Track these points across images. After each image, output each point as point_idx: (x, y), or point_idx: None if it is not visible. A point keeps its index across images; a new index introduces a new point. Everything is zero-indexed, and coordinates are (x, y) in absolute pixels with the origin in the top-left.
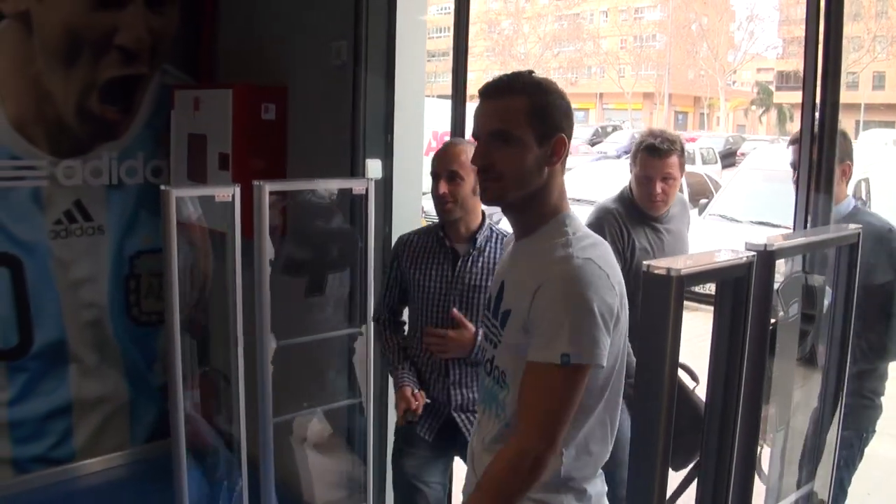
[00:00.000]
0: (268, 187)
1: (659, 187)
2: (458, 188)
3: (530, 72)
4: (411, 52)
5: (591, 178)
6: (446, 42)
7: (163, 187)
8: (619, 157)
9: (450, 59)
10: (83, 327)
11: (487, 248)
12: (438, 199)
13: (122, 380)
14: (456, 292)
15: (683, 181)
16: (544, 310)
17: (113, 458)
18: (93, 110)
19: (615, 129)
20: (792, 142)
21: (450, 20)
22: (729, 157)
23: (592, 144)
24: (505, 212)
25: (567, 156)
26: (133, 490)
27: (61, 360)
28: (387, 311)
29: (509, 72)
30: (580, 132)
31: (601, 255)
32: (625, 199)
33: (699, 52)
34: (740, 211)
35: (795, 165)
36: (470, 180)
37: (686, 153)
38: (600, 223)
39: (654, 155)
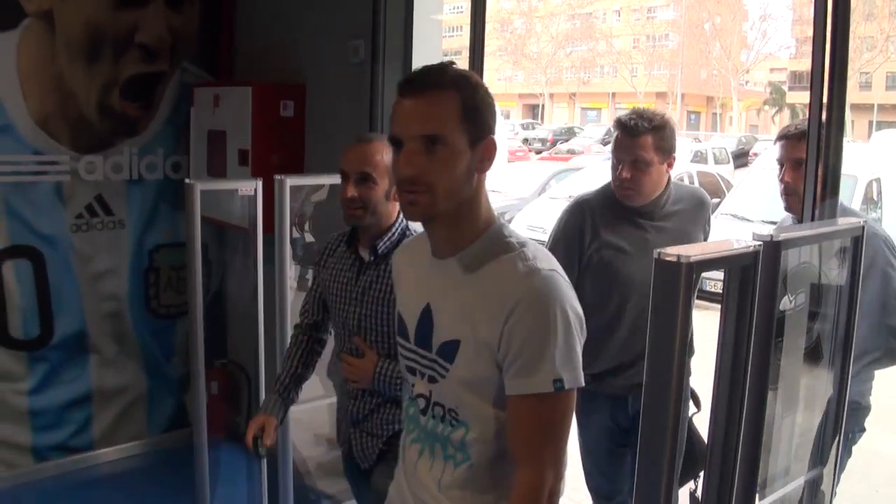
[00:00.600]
0: (289, 182)
1: (626, 171)
2: (369, 192)
3: (452, 62)
4: (427, 51)
5: (603, 177)
6: (458, 41)
7: (187, 181)
8: None
9: (462, 58)
10: (103, 319)
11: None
12: (346, 203)
13: (141, 371)
14: (354, 301)
15: (695, 181)
16: (526, 334)
17: (131, 448)
18: (114, 107)
19: None
20: (779, 137)
21: (462, 20)
22: (741, 157)
23: (604, 144)
24: (429, 226)
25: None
26: (150, 478)
27: (81, 350)
28: (308, 317)
29: (430, 64)
30: (592, 132)
31: (558, 266)
32: (607, 190)
33: (712, 51)
34: (752, 210)
35: (782, 161)
36: (384, 184)
37: (668, 136)
38: (564, 215)
39: (622, 133)
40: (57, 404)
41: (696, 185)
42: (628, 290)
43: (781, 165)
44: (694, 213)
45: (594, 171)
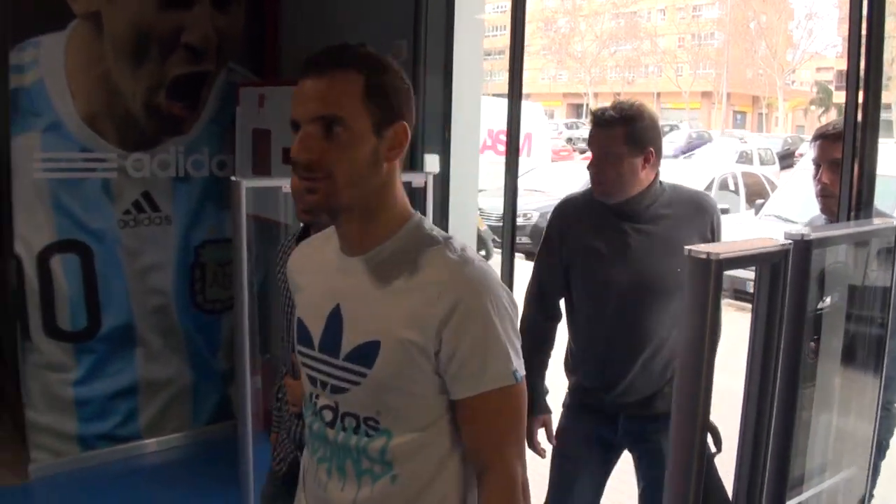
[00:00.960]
0: None
1: (594, 165)
2: None
3: (362, 44)
4: (468, 51)
5: None
6: (502, 40)
7: (233, 178)
8: (675, 156)
9: (506, 57)
10: (150, 313)
11: None
12: (299, 197)
13: (186, 364)
14: None
15: (740, 181)
16: (475, 333)
17: (175, 439)
18: (160, 106)
19: (672, 128)
20: (815, 137)
21: (506, 19)
22: (787, 158)
23: None
24: (337, 220)
25: (406, 150)
26: (194, 469)
27: (128, 343)
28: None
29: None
30: None
31: (481, 257)
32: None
33: (757, 50)
34: (796, 211)
35: (818, 162)
36: None
37: (643, 128)
38: (549, 216)
39: (593, 125)
40: (103, 395)
41: (741, 185)
42: (606, 297)
43: (818, 166)
44: (689, 218)
45: None
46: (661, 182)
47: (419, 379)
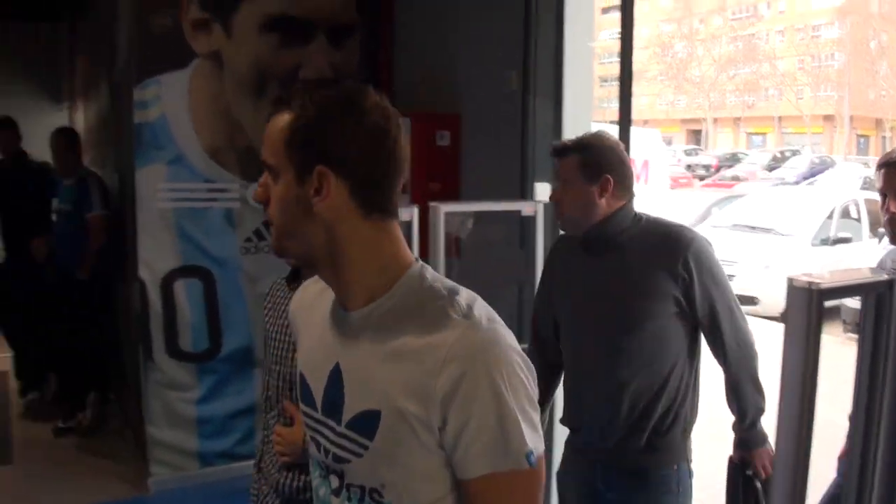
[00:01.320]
0: (443, 208)
1: (554, 193)
2: None
3: (333, 81)
4: (579, 78)
5: (769, 205)
6: (618, 67)
7: None
8: (797, 182)
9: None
10: None
11: None
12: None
13: None
14: (294, 350)
15: (862, 209)
16: (484, 408)
17: None
18: None
19: (794, 154)
20: (879, 166)
21: None
22: None
23: (770, 170)
24: (320, 274)
25: (377, 196)
26: None
27: (247, 364)
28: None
29: None
30: (758, 157)
31: (495, 314)
32: None
33: (879, 70)
34: None
35: (885, 192)
36: None
37: (596, 154)
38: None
39: (553, 155)
40: (223, 413)
41: (863, 213)
42: (571, 332)
43: (884, 196)
44: (654, 253)
45: (757, 198)
46: (635, 213)
47: (421, 453)
